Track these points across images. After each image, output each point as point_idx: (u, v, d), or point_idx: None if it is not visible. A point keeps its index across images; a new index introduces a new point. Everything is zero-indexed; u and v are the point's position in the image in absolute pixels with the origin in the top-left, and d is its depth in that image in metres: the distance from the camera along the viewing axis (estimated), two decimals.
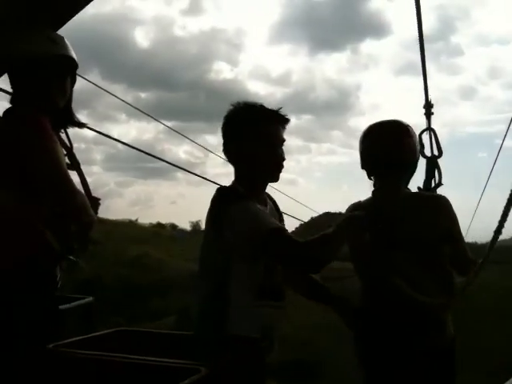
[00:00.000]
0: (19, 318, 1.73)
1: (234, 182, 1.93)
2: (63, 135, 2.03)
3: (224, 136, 1.90)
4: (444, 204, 2.12)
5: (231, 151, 1.88)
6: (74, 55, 1.99)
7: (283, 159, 1.89)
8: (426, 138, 2.82)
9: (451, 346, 2.12)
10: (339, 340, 8.19)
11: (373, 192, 2.22)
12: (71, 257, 1.92)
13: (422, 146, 2.66)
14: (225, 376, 1.37)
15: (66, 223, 1.84)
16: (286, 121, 1.89)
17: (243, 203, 1.77)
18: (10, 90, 2.18)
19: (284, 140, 1.91)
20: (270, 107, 1.87)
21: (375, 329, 2.10)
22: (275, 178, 1.92)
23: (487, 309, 11.36)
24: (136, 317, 11.18)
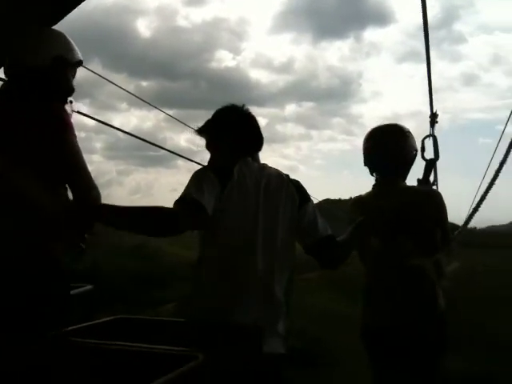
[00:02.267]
0: (37, 305, 1.77)
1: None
2: None
3: None
4: (437, 197, 2.54)
5: None
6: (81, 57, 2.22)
7: None
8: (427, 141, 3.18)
9: (441, 318, 2.46)
10: (336, 328, 8.24)
11: (373, 186, 2.61)
12: (82, 245, 1.98)
13: (423, 149, 3.06)
14: (222, 363, 1.37)
15: (79, 214, 1.89)
16: None
17: None
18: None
19: None
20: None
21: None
22: None
23: (488, 295, 11.38)
24: (136, 305, 11.22)
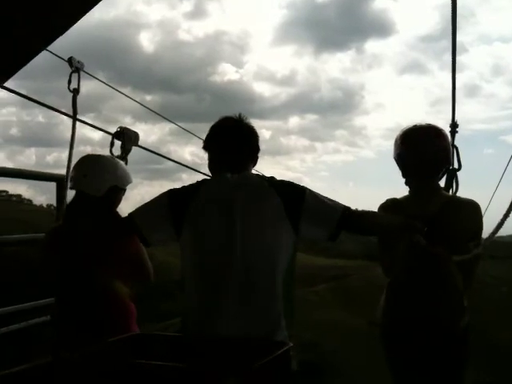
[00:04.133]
0: None
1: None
2: None
3: None
4: (477, 209, 2.40)
5: None
6: None
7: None
8: None
9: (465, 333, 2.34)
10: (344, 340, 8.14)
11: (412, 192, 2.45)
12: None
13: None
14: (256, 382, 1.29)
15: None
16: None
17: None
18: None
19: None
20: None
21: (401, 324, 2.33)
22: None
23: (495, 305, 11.25)
24: (145, 319, 11.10)
